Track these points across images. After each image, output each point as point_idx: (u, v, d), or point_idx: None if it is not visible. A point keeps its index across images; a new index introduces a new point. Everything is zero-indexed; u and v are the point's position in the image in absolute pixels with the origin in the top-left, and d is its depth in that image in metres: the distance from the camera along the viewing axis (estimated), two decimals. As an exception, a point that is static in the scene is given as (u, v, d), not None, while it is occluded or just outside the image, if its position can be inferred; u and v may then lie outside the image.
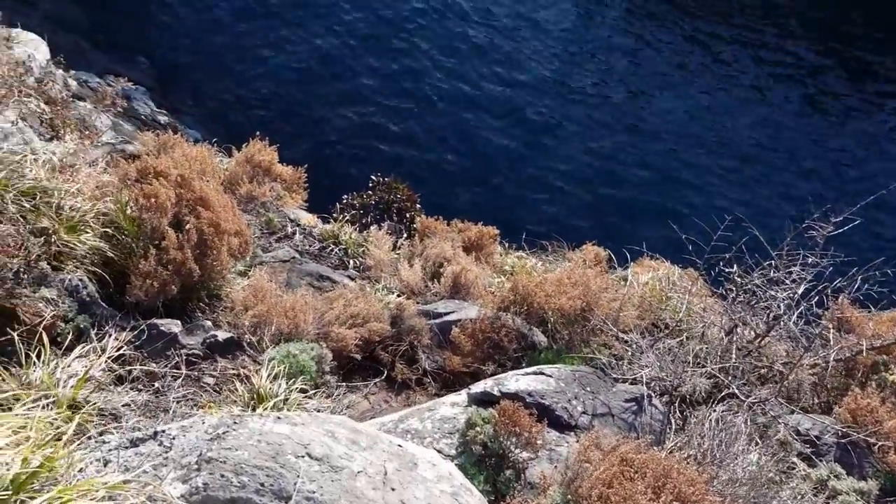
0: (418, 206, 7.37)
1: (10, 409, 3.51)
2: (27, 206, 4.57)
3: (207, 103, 13.14)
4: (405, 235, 7.08)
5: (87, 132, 6.58)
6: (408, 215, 7.21)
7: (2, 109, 5.43)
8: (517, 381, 3.83)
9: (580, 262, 6.13)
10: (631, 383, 4.18)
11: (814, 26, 18.35)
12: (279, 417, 2.55)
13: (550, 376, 3.90)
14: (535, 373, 3.93)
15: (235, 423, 2.41)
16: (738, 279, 4.70)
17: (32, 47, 7.38)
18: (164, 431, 2.45)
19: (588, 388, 3.91)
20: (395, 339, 5.11)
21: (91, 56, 13.96)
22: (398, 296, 5.71)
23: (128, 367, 4.28)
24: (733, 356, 4.46)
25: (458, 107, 14.81)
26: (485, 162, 13.82)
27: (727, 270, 4.81)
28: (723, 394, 4.10)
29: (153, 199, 4.73)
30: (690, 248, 5.14)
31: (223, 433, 2.33)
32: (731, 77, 16.94)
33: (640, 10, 18.46)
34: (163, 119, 10.86)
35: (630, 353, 4.65)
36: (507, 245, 7.58)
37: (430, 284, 6.14)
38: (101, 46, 15.12)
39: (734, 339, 4.60)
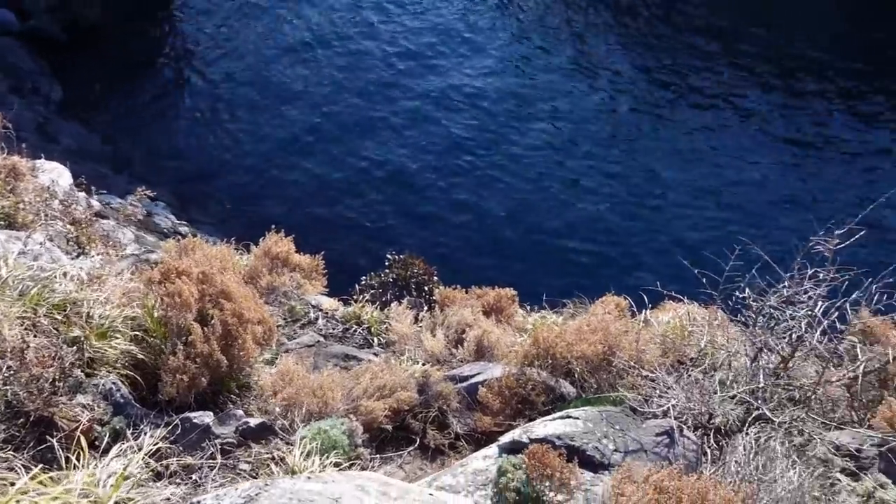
0: (436, 278, 7.51)
1: (54, 512, 3.61)
2: (59, 318, 4.78)
3: (223, 211, 13.71)
4: (426, 308, 7.20)
5: (111, 246, 6.87)
6: (426, 288, 7.35)
7: (31, 233, 5.72)
8: (545, 426, 3.85)
9: (598, 309, 6.19)
10: (661, 418, 4.17)
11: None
12: (309, 477, 2.62)
13: (578, 419, 3.92)
14: (562, 417, 3.95)
15: (267, 485, 2.48)
16: (754, 303, 4.72)
17: (56, 174, 7.80)
18: (199, 502, 2.52)
19: (617, 427, 3.91)
20: (424, 407, 5.15)
21: (111, 181, 14.66)
22: (423, 364, 5.78)
23: (165, 462, 4.36)
24: (761, 380, 4.44)
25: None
26: (493, 230, 14.70)
27: (742, 297, 4.84)
28: (752, 416, 4.07)
29: (177, 297, 4.91)
30: (704, 280, 5.19)
31: (255, 495, 2.40)
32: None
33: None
34: (183, 229, 11.26)
35: (657, 392, 4.65)
36: (528, 308, 7.65)
37: (454, 351, 6.21)
38: (121, 172, 15.93)
39: (760, 363, 4.59)
